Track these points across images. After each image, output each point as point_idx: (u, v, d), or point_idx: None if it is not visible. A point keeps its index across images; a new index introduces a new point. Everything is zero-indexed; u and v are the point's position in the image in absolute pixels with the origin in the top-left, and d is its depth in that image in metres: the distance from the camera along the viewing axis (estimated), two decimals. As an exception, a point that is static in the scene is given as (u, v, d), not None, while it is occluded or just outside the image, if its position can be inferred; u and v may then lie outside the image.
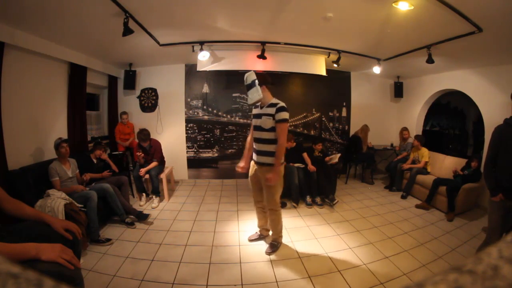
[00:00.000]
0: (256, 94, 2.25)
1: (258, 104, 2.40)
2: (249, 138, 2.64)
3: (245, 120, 5.11)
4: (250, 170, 2.53)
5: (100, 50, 3.76)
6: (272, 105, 2.26)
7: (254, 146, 2.43)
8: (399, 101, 5.79)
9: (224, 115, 5.08)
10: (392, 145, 5.49)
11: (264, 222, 2.75)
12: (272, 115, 2.23)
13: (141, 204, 3.78)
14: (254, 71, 2.31)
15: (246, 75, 2.30)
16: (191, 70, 4.87)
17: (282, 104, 2.25)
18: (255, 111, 2.44)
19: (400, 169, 4.50)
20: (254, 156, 2.44)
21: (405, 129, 5.12)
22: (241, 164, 2.58)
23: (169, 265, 2.28)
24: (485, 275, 0.22)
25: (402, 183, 4.52)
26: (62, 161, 2.84)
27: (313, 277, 2.14)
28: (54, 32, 2.87)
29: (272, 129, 2.25)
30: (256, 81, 2.24)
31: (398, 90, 5.59)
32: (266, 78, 2.32)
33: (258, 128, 2.34)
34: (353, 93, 5.58)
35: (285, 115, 2.21)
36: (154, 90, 4.96)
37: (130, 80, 4.73)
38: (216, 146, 5.12)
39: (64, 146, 2.80)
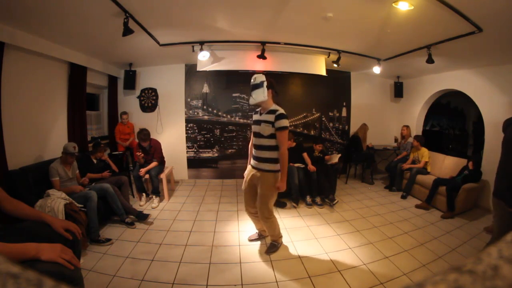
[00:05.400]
0: (262, 95, 2.23)
1: (258, 110, 2.39)
2: (250, 145, 2.58)
3: (245, 120, 5.10)
4: (247, 174, 2.49)
5: (100, 50, 3.76)
6: (272, 111, 2.24)
7: (253, 152, 2.41)
8: (399, 101, 5.79)
9: (224, 115, 5.08)
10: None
11: (261, 226, 2.70)
12: (271, 122, 2.20)
13: (141, 204, 3.78)
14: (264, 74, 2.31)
15: (255, 75, 2.29)
16: (191, 70, 4.87)
17: (281, 111, 2.22)
18: (254, 117, 2.41)
19: (400, 169, 4.50)
20: (252, 161, 2.42)
21: (405, 126, 5.13)
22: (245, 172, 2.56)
23: (169, 265, 2.28)
24: (485, 275, 0.22)
25: (402, 183, 4.52)
26: (63, 163, 2.84)
27: (313, 277, 2.14)
28: (54, 32, 2.87)
29: (271, 136, 2.22)
30: (265, 83, 2.23)
31: (398, 90, 5.59)
32: (274, 84, 2.31)
33: (257, 134, 2.31)
34: (353, 93, 5.58)
35: (285, 122, 2.18)
36: (154, 90, 4.96)
37: (130, 80, 4.73)
38: (216, 146, 5.12)
39: (69, 158, 2.82)
